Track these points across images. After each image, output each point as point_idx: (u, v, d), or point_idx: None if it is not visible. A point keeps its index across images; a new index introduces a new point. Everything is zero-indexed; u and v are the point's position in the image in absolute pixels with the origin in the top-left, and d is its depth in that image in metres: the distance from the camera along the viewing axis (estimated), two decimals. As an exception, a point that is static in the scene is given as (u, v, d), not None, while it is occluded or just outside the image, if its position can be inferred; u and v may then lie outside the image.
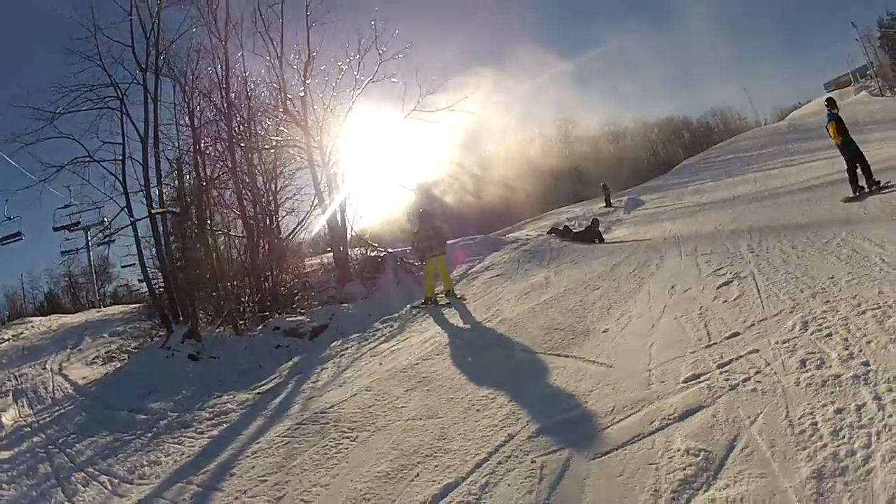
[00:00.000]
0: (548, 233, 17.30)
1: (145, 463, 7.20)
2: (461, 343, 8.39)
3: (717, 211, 16.60)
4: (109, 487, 6.69)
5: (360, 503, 4.42)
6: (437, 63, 54.43)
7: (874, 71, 50.56)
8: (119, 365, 13.35)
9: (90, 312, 25.87)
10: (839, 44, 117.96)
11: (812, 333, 4.39)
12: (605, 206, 27.35)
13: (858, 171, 10.50)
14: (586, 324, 7.09)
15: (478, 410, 5.39)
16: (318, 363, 9.67)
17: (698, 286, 6.95)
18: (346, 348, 10.04)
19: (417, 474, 4.53)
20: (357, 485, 4.70)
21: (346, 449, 5.58)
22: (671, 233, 13.48)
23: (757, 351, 4.44)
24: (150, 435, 8.28)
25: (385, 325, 10.93)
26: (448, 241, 12.56)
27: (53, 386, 12.60)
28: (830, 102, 11.54)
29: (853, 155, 10.68)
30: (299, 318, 13.12)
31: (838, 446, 2.99)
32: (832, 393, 3.48)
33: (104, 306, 30.78)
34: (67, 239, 31.17)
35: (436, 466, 4.53)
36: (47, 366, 14.60)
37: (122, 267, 37.28)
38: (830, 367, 3.79)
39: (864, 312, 4.46)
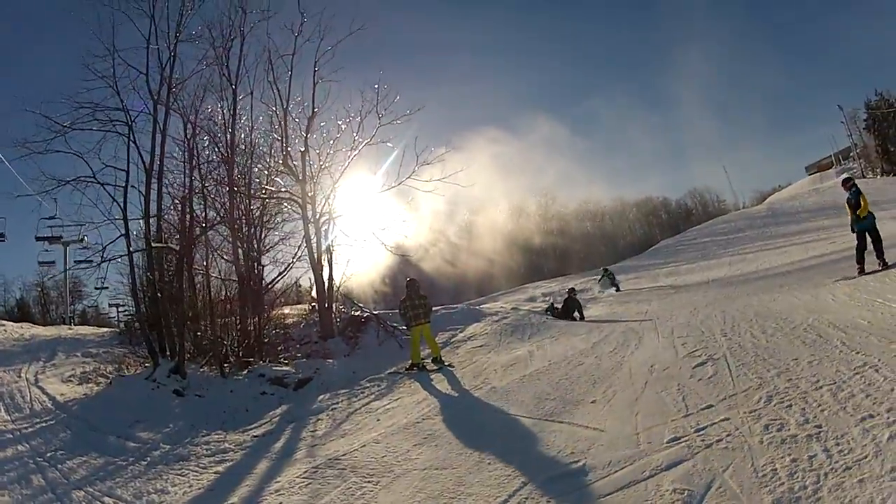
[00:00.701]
0: (545, 311, 17.62)
1: (151, 490, 7.47)
2: (457, 407, 8.90)
3: (693, 294, 17.52)
4: (117, 511, 6.93)
5: (398, 535, 4.76)
6: (432, 125, 56.24)
7: (857, 152, 52.42)
8: (100, 388, 13.41)
9: (62, 328, 25.74)
10: (823, 125, 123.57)
11: (775, 404, 5.19)
12: (616, 290, 25.28)
13: (869, 248, 11.06)
14: (574, 395, 7.61)
15: (489, 463, 5.88)
16: (311, 414, 10.25)
17: (675, 366, 7.61)
18: (337, 403, 10.63)
19: (448, 513, 5.00)
20: (392, 521, 5.12)
21: (371, 492, 6.00)
22: (648, 314, 14.22)
23: (728, 419, 5.19)
24: (144, 463, 8.57)
25: (372, 384, 11.51)
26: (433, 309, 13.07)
27: (31, 396, 12.56)
28: (847, 183, 12.06)
29: (863, 232, 11.20)
30: (284, 367, 13.73)
31: (793, 483, 3.79)
32: (789, 448, 4.27)
33: (74, 324, 30.94)
34: (46, 250, 31.83)
35: (463, 506, 5.01)
36: (22, 374, 14.51)
37: (96, 289, 37.42)
38: (789, 429, 4.59)
39: (820, 387, 5.25)
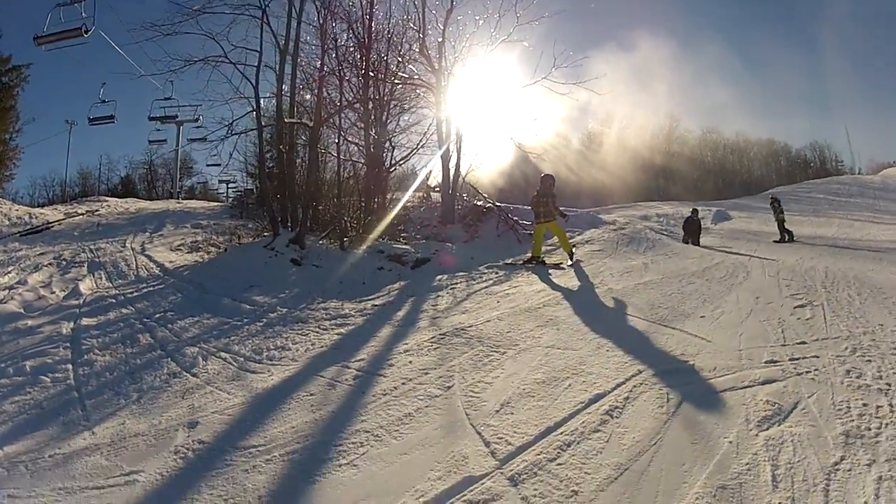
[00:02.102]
0: (683, 241, 17.99)
1: (271, 347, 8.02)
2: (575, 300, 9.52)
3: (800, 245, 18.09)
4: (234, 364, 7.49)
5: (526, 398, 5.60)
6: (575, 28, 55.85)
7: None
8: (212, 256, 14.30)
9: (170, 202, 27.94)
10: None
11: (857, 356, 6.22)
12: (782, 240, 20.33)
13: None
14: (685, 308, 8.45)
15: (607, 350, 6.72)
16: (430, 290, 10.88)
17: (779, 302, 8.59)
18: (456, 283, 11.28)
19: (570, 385, 5.82)
20: (520, 385, 5.90)
21: (498, 360, 6.71)
22: (756, 253, 14.77)
23: (817, 357, 6.25)
24: (261, 324, 9.20)
25: (490, 270, 12.25)
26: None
27: (137, 264, 13.51)
28: None
29: None
30: (403, 246, 14.23)
31: (860, 423, 4.79)
32: (863, 394, 5.32)
33: (182, 199, 33.51)
34: (158, 129, 33.78)
35: (583, 381, 5.87)
36: (127, 244, 15.54)
37: (207, 165, 40.32)
38: (865, 379, 5.63)
39: (898, 353, 6.31)
